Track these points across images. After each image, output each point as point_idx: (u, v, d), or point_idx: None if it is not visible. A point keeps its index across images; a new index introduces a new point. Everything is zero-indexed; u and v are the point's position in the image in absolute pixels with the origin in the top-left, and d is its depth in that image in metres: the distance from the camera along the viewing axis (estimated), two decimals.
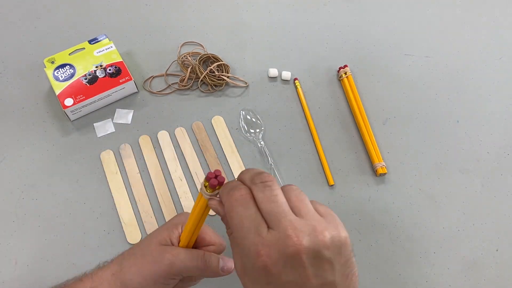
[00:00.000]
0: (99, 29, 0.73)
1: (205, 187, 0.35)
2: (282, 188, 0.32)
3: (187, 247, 0.41)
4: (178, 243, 0.42)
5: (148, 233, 0.57)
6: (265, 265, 0.28)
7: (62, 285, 0.43)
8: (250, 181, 0.32)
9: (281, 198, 0.31)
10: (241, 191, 0.31)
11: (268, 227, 0.30)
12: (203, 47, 0.72)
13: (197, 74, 0.67)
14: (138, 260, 0.39)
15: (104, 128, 0.64)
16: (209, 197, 0.35)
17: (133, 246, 0.43)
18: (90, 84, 0.63)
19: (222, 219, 0.35)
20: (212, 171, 0.34)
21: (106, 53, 0.66)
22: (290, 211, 0.30)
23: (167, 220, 0.49)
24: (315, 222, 0.30)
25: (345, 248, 0.31)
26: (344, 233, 0.31)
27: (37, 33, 0.73)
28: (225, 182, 0.34)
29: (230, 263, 0.42)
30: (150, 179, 0.60)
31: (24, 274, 0.54)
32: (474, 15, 0.78)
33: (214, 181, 0.33)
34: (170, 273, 0.39)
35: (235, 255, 0.32)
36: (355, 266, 0.32)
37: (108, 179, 0.60)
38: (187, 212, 0.43)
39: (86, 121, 0.65)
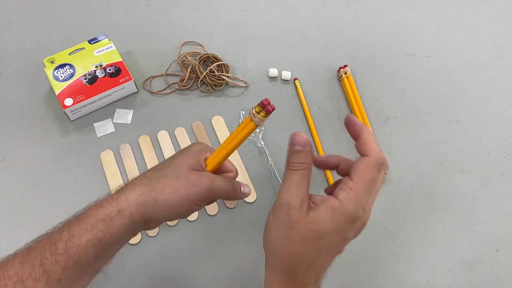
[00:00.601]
0: (99, 29, 0.73)
1: (257, 113, 0.40)
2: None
3: (213, 172, 0.44)
4: (205, 168, 0.43)
5: (148, 232, 0.57)
6: (350, 229, 0.36)
7: (80, 214, 0.40)
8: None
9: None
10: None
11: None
12: (203, 47, 0.72)
13: (197, 74, 0.67)
14: (173, 182, 0.40)
15: (104, 128, 0.64)
16: (261, 122, 0.40)
17: (157, 169, 0.42)
18: (90, 84, 0.63)
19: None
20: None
21: (106, 53, 0.66)
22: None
23: None
24: (367, 196, 0.36)
25: (361, 228, 0.38)
26: (368, 219, 0.37)
27: (37, 33, 0.73)
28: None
29: (247, 189, 0.45)
30: None
31: None
32: (474, 15, 0.78)
33: (270, 108, 0.39)
34: (207, 196, 0.41)
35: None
36: None
37: (108, 179, 0.60)
38: (201, 142, 0.44)
39: (86, 121, 0.65)
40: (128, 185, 0.40)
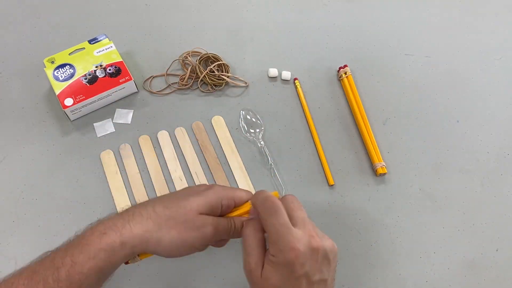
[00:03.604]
0: (99, 29, 0.73)
1: None
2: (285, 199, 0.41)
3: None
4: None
5: None
6: (296, 255, 0.36)
7: (83, 238, 0.40)
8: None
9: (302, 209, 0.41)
10: (274, 201, 0.39)
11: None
12: (203, 47, 0.72)
13: (197, 73, 0.67)
14: (179, 225, 0.40)
15: (104, 128, 0.64)
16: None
17: (168, 206, 0.42)
18: (90, 84, 0.63)
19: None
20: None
21: (106, 53, 0.66)
22: (308, 219, 0.40)
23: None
24: (320, 231, 0.40)
25: (336, 257, 0.40)
26: (328, 244, 0.39)
27: (37, 33, 0.73)
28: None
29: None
30: (150, 179, 0.60)
31: None
32: (474, 15, 0.78)
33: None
34: (210, 241, 0.43)
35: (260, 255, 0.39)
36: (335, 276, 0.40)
37: (108, 179, 0.60)
38: (220, 189, 0.45)
39: (86, 121, 0.65)
40: (135, 215, 0.41)
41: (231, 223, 0.44)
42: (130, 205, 0.58)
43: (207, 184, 0.48)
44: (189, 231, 0.41)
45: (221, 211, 0.44)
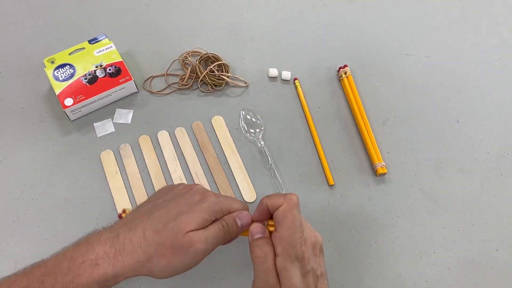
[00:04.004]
0: (99, 29, 0.73)
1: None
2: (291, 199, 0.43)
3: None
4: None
5: None
6: (304, 251, 0.40)
7: (75, 266, 0.39)
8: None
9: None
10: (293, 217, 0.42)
11: None
12: (203, 47, 0.72)
13: (197, 73, 0.67)
14: (168, 250, 0.40)
15: (104, 128, 0.64)
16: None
17: (158, 229, 0.41)
18: (90, 84, 0.63)
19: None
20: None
21: (106, 53, 0.66)
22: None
23: None
24: (298, 234, 0.41)
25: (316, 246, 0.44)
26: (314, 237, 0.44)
27: (37, 33, 0.73)
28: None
29: (246, 218, 0.45)
30: (150, 179, 0.60)
31: None
32: (474, 15, 0.78)
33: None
34: (203, 255, 0.42)
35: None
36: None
37: (108, 179, 0.60)
38: (213, 196, 0.45)
39: (86, 121, 0.65)
40: (126, 244, 0.40)
41: (222, 227, 0.43)
42: (130, 206, 0.58)
43: (202, 190, 0.47)
44: (177, 256, 0.40)
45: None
